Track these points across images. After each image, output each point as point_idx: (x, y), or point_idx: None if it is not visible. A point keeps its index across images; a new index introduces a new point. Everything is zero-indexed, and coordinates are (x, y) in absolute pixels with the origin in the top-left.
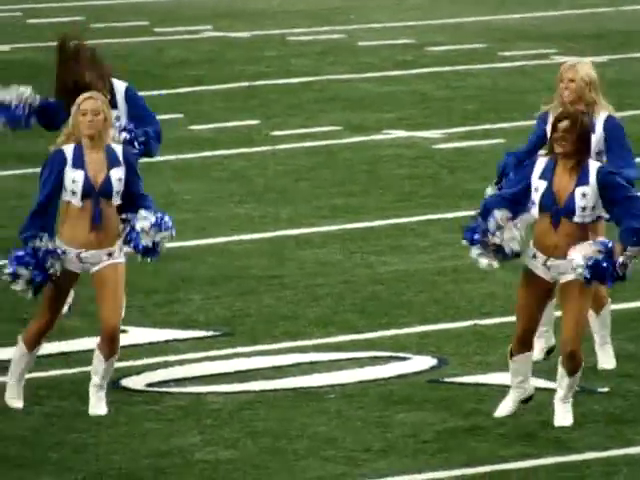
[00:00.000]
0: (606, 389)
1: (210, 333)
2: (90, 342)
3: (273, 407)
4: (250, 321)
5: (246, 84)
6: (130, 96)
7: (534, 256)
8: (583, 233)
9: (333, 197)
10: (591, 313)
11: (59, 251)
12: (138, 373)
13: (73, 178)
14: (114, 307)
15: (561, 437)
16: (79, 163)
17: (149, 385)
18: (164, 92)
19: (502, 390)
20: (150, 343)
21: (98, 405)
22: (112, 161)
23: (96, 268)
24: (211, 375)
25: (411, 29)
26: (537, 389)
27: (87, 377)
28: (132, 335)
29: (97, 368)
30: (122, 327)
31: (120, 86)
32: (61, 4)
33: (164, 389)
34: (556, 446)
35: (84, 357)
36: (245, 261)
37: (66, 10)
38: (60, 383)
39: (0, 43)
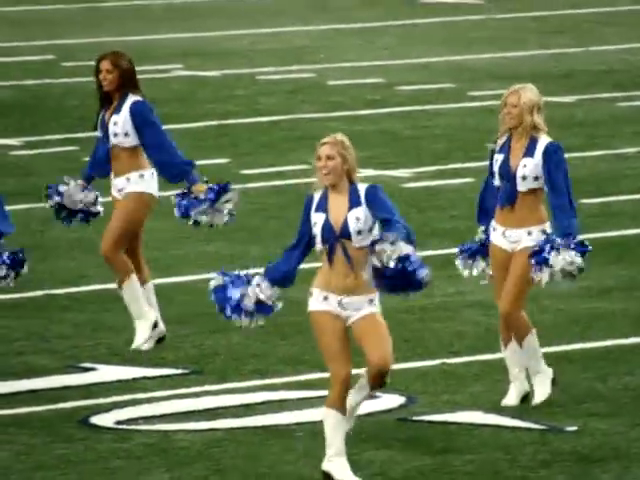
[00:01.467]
0: (574, 428)
1: (179, 371)
2: (58, 380)
3: (241, 445)
4: (219, 359)
5: (215, 123)
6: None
7: None
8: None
9: None
10: (515, 347)
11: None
12: (107, 410)
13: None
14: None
15: (529, 476)
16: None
17: (118, 422)
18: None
19: (471, 429)
20: (119, 380)
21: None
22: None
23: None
24: (180, 413)
25: (381, 68)
26: (505, 428)
27: (56, 414)
28: (101, 372)
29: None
30: (91, 365)
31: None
32: (31, 43)
33: (132, 427)
34: None
35: (52, 395)
36: None
37: (36, 49)
38: (29, 421)
39: None
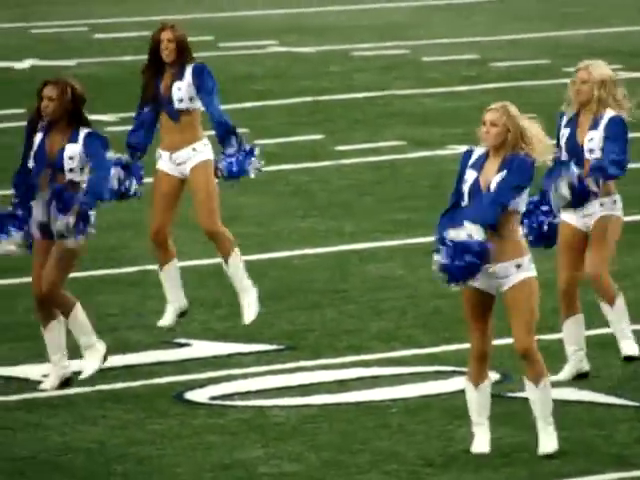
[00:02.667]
0: None
1: (273, 347)
2: (153, 355)
3: (336, 421)
4: (313, 335)
5: (310, 99)
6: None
7: None
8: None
9: (396, 212)
10: (571, 325)
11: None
12: (202, 386)
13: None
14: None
15: (624, 453)
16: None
17: (212, 398)
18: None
19: (565, 405)
20: (214, 356)
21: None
22: None
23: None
24: (274, 389)
25: (476, 45)
26: (599, 404)
27: (150, 390)
28: (196, 348)
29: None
30: (185, 340)
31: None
32: (127, 19)
33: (227, 402)
34: (618, 461)
35: (147, 370)
36: (308, 275)
37: (132, 25)
38: (124, 396)
39: (66, 58)
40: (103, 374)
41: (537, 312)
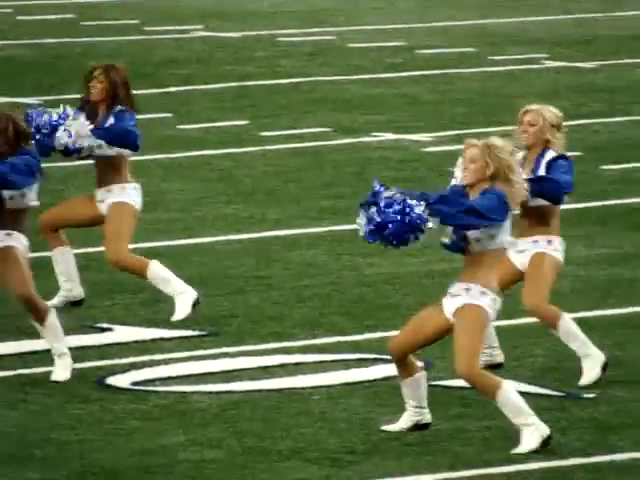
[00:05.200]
0: (592, 395)
1: (196, 332)
2: (74, 340)
3: (258, 407)
4: (236, 321)
5: (235, 84)
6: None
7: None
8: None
9: (321, 199)
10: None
11: None
12: (124, 371)
13: None
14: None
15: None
16: None
17: (134, 384)
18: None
19: None
20: (136, 341)
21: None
22: None
23: None
24: (197, 375)
25: (402, 32)
26: (523, 394)
27: (72, 374)
28: (118, 333)
29: None
30: (108, 325)
31: None
32: (51, 1)
33: (149, 388)
34: (541, 451)
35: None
36: (232, 261)
37: (56, 7)
38: (45, 380)
39: None
40: (23, 358)
41: (477, 340)
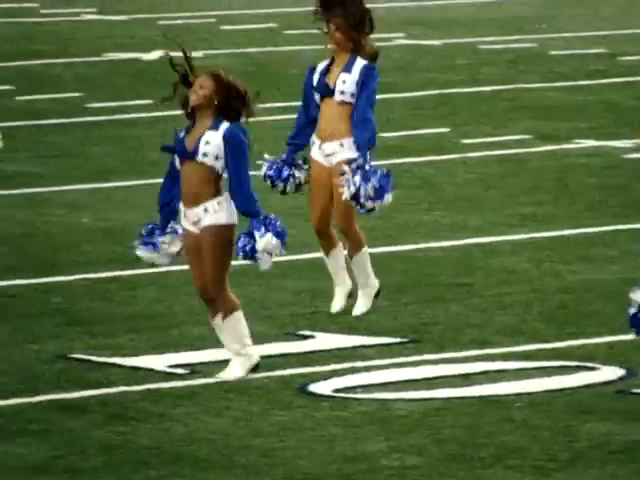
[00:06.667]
0: None
1: (397, 340)
2: (276, 347)
3: (459, 415)
4: (437, 329)
5: (436, 92)
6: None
7: None
8: None
9: (522, 206)
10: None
11: None
12: (325, 378)
13: None
14: None
15: None
16: None
17: (336, 391)
18: None
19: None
20: (338, 349)
21: None
22: None
23: None
24: (398, 382)
25: (603, 39)
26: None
27: (274, 381)
28: (320, 340)
29: None
30: (310, 332)
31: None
32: (254, 10)
33: (351, 395)
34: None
35: (271, 362)
36: (433, 269)
37: (259, 17)
38: (248, 387)
39: (194, 49)
40: (226, 365)
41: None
